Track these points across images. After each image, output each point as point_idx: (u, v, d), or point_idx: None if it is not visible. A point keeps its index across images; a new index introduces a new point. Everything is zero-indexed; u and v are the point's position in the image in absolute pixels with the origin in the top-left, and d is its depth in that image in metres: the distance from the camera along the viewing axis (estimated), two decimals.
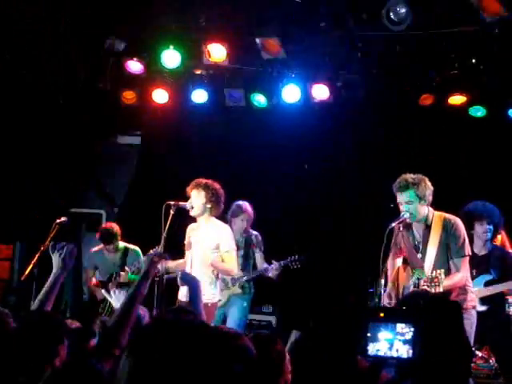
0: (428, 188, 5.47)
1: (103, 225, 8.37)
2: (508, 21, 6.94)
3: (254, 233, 7.55)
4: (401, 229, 5.64)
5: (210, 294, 6.35)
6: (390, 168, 9.07)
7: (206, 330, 2.28)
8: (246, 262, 7.49)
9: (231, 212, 7.42)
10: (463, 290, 5.40)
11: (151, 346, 1.79)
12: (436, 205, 5.63)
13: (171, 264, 6.55)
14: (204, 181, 6.46)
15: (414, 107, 8.58)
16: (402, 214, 5.61)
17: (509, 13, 6.77)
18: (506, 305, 7.21)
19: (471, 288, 5.53)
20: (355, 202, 9.41)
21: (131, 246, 7.92)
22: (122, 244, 7.91)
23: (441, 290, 5.12)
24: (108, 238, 7.80)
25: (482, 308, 6.09)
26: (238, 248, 7.17)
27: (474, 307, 5.45)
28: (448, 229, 5.38)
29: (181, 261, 6.64)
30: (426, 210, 5.49)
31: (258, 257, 7.51)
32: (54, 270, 4.10)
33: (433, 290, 5.12)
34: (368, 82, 8.49)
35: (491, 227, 6.48)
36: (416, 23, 7.30)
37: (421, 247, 5.54)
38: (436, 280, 5.10)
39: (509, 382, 6.32)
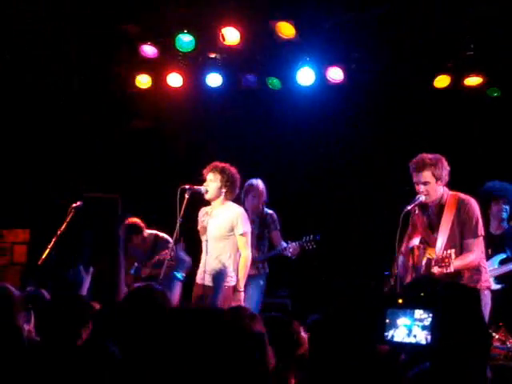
0: (445, 168, 5.44)
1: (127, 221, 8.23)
2: None
3: (269, 212, 7.52)
4: (416, 211, 5.62)
5: (227, 277, 6.38)
6: (405, 150, 9.05)
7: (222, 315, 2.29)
8: (261, 242, 7.46)
9: (244, 191, 7.37)
10: (477, 270, 5.39)
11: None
12: (453, 185, 5.62)
13: None
14: (221, 164, 6.46)
15: (429, 89, 8.52)
16: (418, 196, 5.60)
17: None
18: None
19: (486, 268, 5.51)
20: (371, 184, 9.38)
21: (161, 235, 7.83)
22: (149, 233, 7.86)
23: (451, 270, 5.12)
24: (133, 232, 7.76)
25: (497, 287, 6.08)
26: (252, 229, 7.11)
27: (488, 288, 5.43)
28: (461, 209, 5.37)
29: None
30: (441, 189, 5.46)
31: (275, 235, 7.47)
32: None
33: (444, 271, 5.12)
34: (382, 64, 8.45)
35: (507, 207, 6.45)
36: (431, 4, 7.27)
37: (434, 227, 5.52)
38: (447, 260, 5.10)
39: None
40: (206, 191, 6.41)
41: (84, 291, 4.10)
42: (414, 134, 8.90)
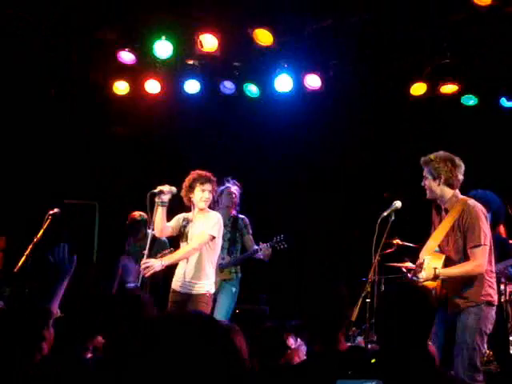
0: (448, 170, 5.26)
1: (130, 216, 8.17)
2: (498, 8, 6.96)
3: (241, 216, 7.53)
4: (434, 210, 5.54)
5: (209, 285, 6.38)
6: (381, 156, 9.13)
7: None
8: (233, 246, 7.45)
9: (218, 195, 7.32)
10: (479, 280, 5.11)
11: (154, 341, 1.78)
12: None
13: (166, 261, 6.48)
14: (210, 174, 6.43)
15: (406, 96, 8.59)
16: (394, 202, 5.62)
17: (499, 1, 6.79)
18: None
19: (490, 281, 5.20)
20: (348, 191, 9.43)
21: None
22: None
23: (451, 269, 5.06)
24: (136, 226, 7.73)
25: None
26: (224, 233, 7.11)
27: (488, 302, 5.12)
28: (465, 214, 5.17)
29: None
30: (444, 191, 5.29)
31: (247, 240, 7.47)
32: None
33: (419, 276, 5.08)
34: (360, 72, 8.51)
35: (489, 214, 6.50)
36: (408, 13, 7.34)
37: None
38: (419, 266, 5.08)
39: (501, 369, 6.35)
40: (205, 201, 6.35)
41: (64, 284, 3.85)
42: (390, 141, 8.97)
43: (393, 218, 5.67)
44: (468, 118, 8.84)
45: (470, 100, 8.70)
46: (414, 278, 5.15)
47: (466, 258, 5.13)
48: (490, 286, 5.17)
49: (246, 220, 7.50)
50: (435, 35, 7.81)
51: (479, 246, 5.08)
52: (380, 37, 7.89)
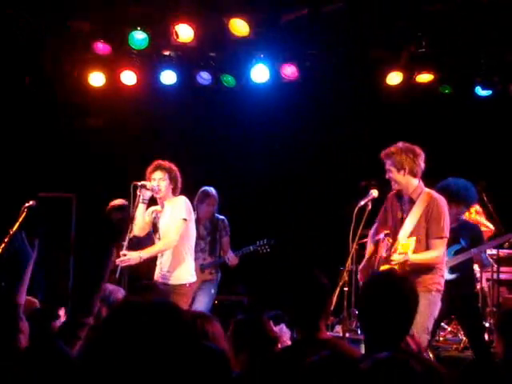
0: (411, 160, 5.37)
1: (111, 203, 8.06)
2: None
3: (221, 217, 7.56)
4: (391, 202, 5.62)
5: (187, 274, 6.36)
6: (359, 146, 9.16)
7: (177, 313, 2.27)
8: (214, 247, 7.50)
9: (197, 198, 7.36)
10: (433, 269, 5.35)
11: (122, 330, 1.78)
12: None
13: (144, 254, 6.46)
14: (165, 162, 6.39)
15: (382, 85, 8.62)
16: (371, 192, 5.67)
17: None
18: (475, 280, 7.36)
19: (442, 271, 5.46)
20: (325, 181, 9.45)
21: None
22: None
23: (408, 258, 5.15)
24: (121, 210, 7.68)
25: (451, 276, 6.16)
26: (205, 234, 7.37)
27: (438, 290, 5.35)
28: (431, 207, 5.34)
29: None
30: (410, 181, 5.41)
31: (225, 241, 7.53)
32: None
33: (401, 259, 5.15)
34: (336, 61, 8.52)
35: (465, 209, 6.64)
36: (384, 2, 7.36)
37: (402, 221, 5.52)
38: (406, 247, 5.15)
39: (476, 356, 6.41)
40: (158, 191, 6.32)
41: (28, 270, 3.72)
42: (367, 131, 9.00)
43: (370, 207, 5.72)
44: (444, 107, 8.89)
45: (445, 89, 8.75)
46: (397, 258, 5.23)
47: (426, 247, 5.33)
48: (441, 276, 5.43)
49: (226, 221, 7.55)
50: (410, 24, 7.84)
51: (442, 237, 5.34)
52: (356, 26, 7.90)
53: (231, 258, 7.42)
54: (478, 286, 7.19)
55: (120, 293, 3.81)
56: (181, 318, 1.78)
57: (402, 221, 5.48)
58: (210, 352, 2.44)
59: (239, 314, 3.97)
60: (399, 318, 3.00)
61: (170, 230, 6.27)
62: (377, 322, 3.00)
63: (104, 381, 1.68)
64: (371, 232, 5.82)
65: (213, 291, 7.38)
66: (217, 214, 7.55)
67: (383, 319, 2.98)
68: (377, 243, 5.74)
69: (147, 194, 6.29)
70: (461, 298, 6.29)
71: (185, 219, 6.26)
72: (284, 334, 5.73)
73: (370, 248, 5.77)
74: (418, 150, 5.48)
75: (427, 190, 5.48)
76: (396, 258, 5.24)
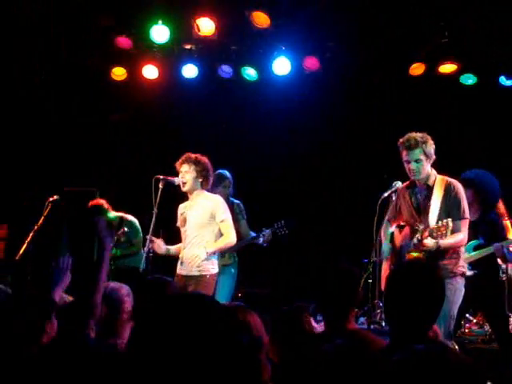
0: (433, 147, 5.48)
1: (91, 202, 8.07)
2: None
3: (236, 201, 7.52)
4: (404, 195, 5.61)
5: (209, 266, 6.38)
6: (382, 138, 9.11)
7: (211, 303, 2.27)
8: None
9: (212, 182, 7.36)
10: (457, 253, 5.40)
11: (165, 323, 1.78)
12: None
13: (172, 248, 6.59)
14: (193, 155, 6.44)
15: (405, 76, 8.57)
16: (394, 183, 5.65)
17: None
18: (500, 271, 7.30)
19: (463, 254, 5.53)
20: (347, 173, 9.42)
21: (125, 216, 7.79)
22: (114, 215, 7.75)
23: (447, 239, 5.16)
24: (98, 213, 7.62)
25: (470, 273, 6.12)
26: None
27: (462, 273, 5.40)
28: (450, 192, 5.39)
29: (180, 245, 6.63)
30: (429, 169, 5.49)
31: (242, 225, 7.48)
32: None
33: (439, 239, 5.14)
34: (358, 53, 8.48)
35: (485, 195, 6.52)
36: None
37: (421, 208, 5.52)
38: (443, 228, 5.11)
39: (500, 348, 6.38)
40: (183, 184, 6.38)
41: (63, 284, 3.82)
42: (390, 122, 8.94)
43: (393, 198, 5.70)
44: (467, 98, 8.82)
45: (468, 79, 8.67)
46: (432, 241, 5.21)
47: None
48: (463, 259, 5.49)
49: (241, 205, 7.51)
50: (433, 14, 7.77)
51: (465, 219, 5.39)
52: (378, 17, 7.85)
53: (266, 234, 7.25)
54: (504, 278, 7.13)
55: (124, 289, 3.77)
56: (218, 312, 1.78)
57: (420, 210, 5.48)
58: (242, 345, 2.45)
59: (279, 307, 3.95)
60: (427, 307, 3.00)
61: (228, 231, 6.40)
62: (405, 311, 2.99)
63: (146, 374, 1.69)
64: (382, 230, 5.79)
65: (233, 271, 7.32)
66: (232, 198, 7.51)
67: (411, 309, 2.97)
68: (392, 235, 5.73)
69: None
70: (485, 294, 6.26)
71: (225, 219, 6.42)
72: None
73: (386, 248, 5.74)
74: (428, 136, 5.53)
75: (440, 176, 5.54)
76: (429, 242, 5.22)
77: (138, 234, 7.68)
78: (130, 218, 7.80)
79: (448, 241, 5.23)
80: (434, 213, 5.37)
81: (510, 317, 6.86)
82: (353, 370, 2.43)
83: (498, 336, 6.48)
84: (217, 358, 1.75)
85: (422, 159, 5.41)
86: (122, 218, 7.67)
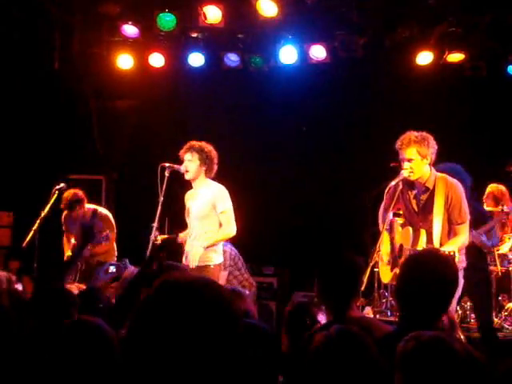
0: (431, 147, 5.36)
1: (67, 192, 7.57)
2: None
3: None
4: (400, 186, 5.59)
5: (211, 257, 6.37)
6: (389, 127, 9.07)
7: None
8: None
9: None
10: (461, 251, 5.39)
11: (164, 308, 1.76)
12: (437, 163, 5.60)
13: (181, 235, 6.59)
14: (197, 143, 6.42)
15: (412, 65, 8.52)
16: (402, 172, 5.60)
17: None
18: (506, 261, 7.30)
19: (463, 250, 5.52)
20: (354, 161, 9.39)
21: (99, 210, 7.72)
22: (90, 207, 7.68)
23: (448, 246, 5.17)
24: (72, 204, 7.45)
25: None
26: None
27: (462, 268, 5.39)
28: (450, 194, 5.35)
29: (187, 231, 6.62)
30: (427, 169, 5.41)
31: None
32: None
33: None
34: (365, 41, 8.43)
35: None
36: None
37: (422, 210, 5.49)
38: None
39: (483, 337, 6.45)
40: (186, 171, 6.36)
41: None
42: (397, 111, 8.90)
43: (400, 187, 5.66)
44: (475, 87, 8.77)
45: (476, 68, 8.57)
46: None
47: (449, 232, 5.39)
48: (463, 254, 5.48)
49: None
50: (441, 3, 7.72)
51: (466, 222, 5.39)
52: (385, 5, 7.81)
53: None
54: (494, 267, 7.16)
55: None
56: (223, 295, 1.76)
57: (419, 210, 5.47)
58: (255, 330, 2.44)
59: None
60: (441, 295, 2.99)
61: (228, 222, 6.34)
62: (418, 298, 2.98)
63: (149, 362, 1.67)
64: (380, 214, 5.78)
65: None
66: None
67: (425, 296, 2.96)
68: (391, 224, 5.72)
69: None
70: (473, 284, 6.22)
71: (225, 210, 6.35)
72: None
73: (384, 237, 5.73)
74: (429, 135, 5.43)
75: (439, 174, 5.46)
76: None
77: (113, 229, 7.60)
78: (101, 210, 7.75)
79: (450, 248, 5.15)
80: (438, 218, 5.33)
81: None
82: (349, 357, 2.41)
83: (481, 325, 6.52)
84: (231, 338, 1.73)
85: (415, 159, 5.36)
86: (95, 211, 7.63)
